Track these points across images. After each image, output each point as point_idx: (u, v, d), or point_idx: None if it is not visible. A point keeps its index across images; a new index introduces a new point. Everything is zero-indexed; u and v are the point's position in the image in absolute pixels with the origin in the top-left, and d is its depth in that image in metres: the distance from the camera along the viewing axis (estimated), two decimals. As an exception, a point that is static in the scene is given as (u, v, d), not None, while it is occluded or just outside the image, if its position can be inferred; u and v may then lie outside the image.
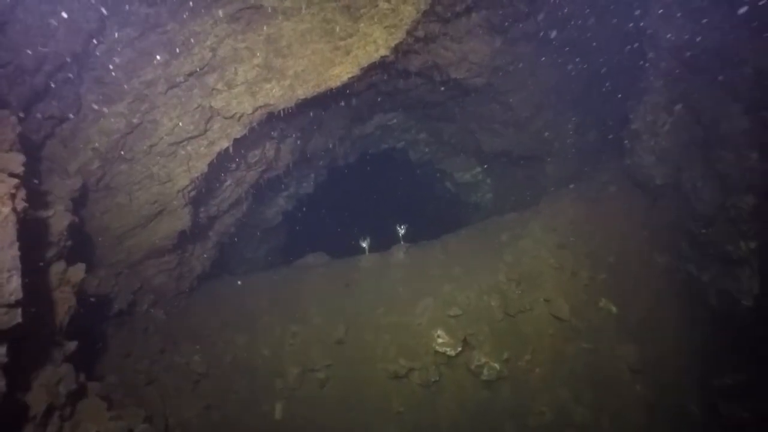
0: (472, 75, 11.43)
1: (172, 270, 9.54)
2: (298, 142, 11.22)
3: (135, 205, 7.53)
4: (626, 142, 11.86)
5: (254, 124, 7.48)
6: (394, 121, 15.82)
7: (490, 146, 14.78)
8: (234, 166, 9.05)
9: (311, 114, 10.21)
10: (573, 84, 12.75)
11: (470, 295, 10.10)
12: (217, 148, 7.47)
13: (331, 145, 12.74)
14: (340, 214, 24.28)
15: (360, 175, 21.55)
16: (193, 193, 8.03)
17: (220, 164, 8.11)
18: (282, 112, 7.38)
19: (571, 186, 12.95)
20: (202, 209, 9.22)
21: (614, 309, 10.17)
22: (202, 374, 9.29)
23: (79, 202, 6.79)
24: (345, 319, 10.07)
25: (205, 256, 10.64)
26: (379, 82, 10.97)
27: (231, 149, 7.63)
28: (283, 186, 14.64)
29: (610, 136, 12.42)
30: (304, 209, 17.57)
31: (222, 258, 14.16)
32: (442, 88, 12.25)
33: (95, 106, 6.40)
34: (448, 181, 18.59)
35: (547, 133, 13.99)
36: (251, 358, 9.66)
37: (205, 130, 7.27)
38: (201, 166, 7.52)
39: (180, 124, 6.91)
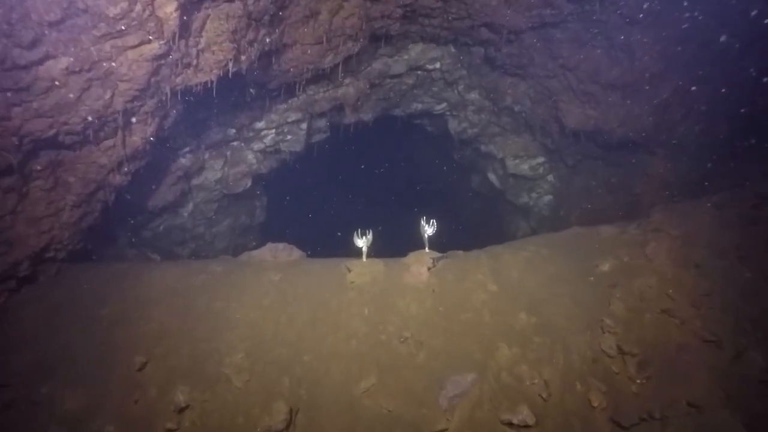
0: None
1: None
2: (260, 33, 5.98)
3: None
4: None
5: None
6: (438, 65, 10.72)
7: (579, 120, 9.73)
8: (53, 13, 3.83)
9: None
10: (729, 34, 7.78)
11: (549, 375, 5.05)
12: None
13: (328, 68, 7.48)
14: (341, 192, 19.15)
15: (375, 144, 16.24)
16: None
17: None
18: None
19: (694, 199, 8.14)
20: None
21: (831, 448, 5.14)
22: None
23: None
24: (291, 386, 4.98)
25: (60, 219, 5.60)
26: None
27: None
28: (243, 127, 9.45)
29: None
30: (289, 175, 12.66)
31: (135, 228, 9.33)
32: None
33: None
34: (493, 171, 13.34)
35: (671, 108, 8.90)
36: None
37: None
38: None
39: None
